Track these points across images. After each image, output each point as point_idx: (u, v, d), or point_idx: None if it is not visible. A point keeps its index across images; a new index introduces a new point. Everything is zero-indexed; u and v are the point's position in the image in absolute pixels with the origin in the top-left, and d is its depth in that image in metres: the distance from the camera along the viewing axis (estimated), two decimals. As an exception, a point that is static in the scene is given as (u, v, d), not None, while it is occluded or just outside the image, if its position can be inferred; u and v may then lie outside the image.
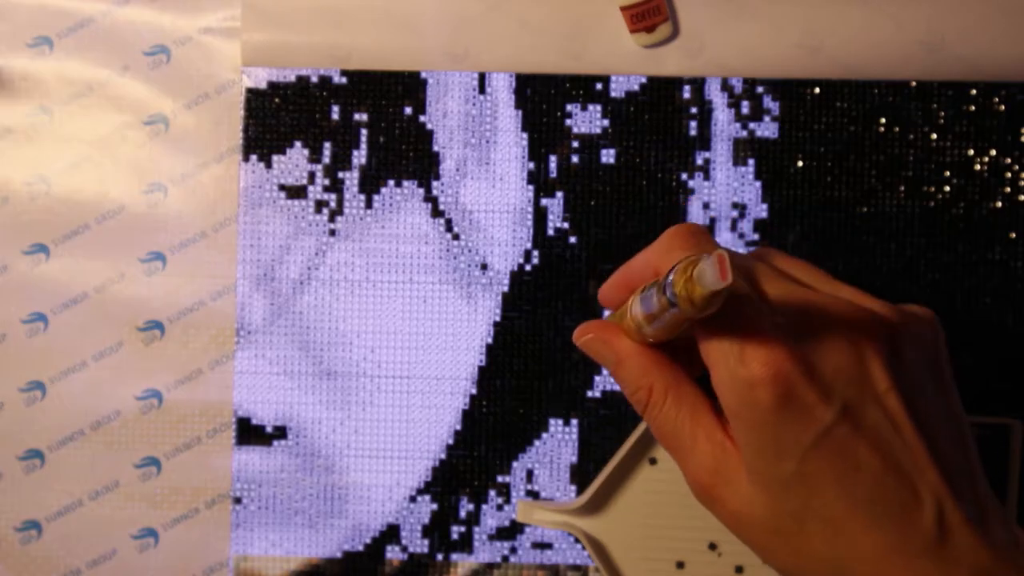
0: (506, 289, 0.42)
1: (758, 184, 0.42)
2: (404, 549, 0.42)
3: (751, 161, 0.42)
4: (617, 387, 0.42)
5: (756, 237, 0.42)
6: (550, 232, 0.42)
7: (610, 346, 0.30)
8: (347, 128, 0.42)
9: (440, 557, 0.42)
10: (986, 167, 0.42)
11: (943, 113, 0.42)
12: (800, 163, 0.42)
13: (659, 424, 0.30)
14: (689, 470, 0.29)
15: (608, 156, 0.42)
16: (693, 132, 0.42)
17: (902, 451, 0.27)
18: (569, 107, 0.42)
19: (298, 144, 0.42)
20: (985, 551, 0.26)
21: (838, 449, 0.26)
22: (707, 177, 0.42)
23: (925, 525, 0.26)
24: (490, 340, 0.42)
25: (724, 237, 0.42)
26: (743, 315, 0.27)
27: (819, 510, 0.27)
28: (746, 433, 0.27)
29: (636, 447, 0.40)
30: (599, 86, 0.42)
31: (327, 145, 0.42)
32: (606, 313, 0.42)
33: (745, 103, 0.42)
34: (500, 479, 0.42)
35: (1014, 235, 0.42)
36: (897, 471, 0.27)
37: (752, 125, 0.42)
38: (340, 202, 0.42)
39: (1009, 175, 0.42)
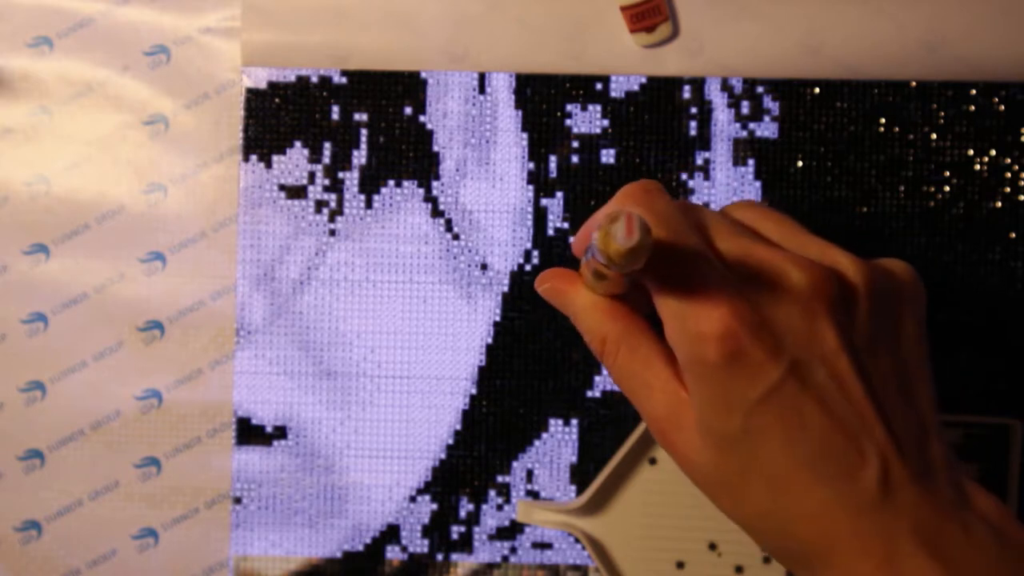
0: (506, 289, 0.42)
1: (758, 184, 0.42)
2: (404, 549, 0.42)
3: (751, 161, 0.42)
4: (618, 387, 0.42)
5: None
6: (550, 232, 0.42)
7: (566, 296, 0.31)
8: (347, 128, 0.42)
9: (440, 557, 0.42)
10: (986, 167, 0.42)
11: (943, 113, 0.42)
12: (800, 163, 0.42)
13: (614, 372, 0.30)
14: (645, 416, 0.30)
15: (608, 156, 0.42)
16: (693, 132, 0.42)
17: (848, 411, 0.27)
18: (569, 107, 0.42)
19: (298, 144, 0.42)
20: (929, 507, 0.26)
21: (784, 407, 0.26)
22: (707, 177, 0.42)
23: (868, 483, 0.26)
24: (490, 340, 0.42)
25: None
26: (691, 271, 0.27)
27: (763, 466, 0.27)
28: (695, 386, 0.27)
29: (636, 447, 0.40)
30: (599, 86, 0.42)
31: (327, 145, 0.42)
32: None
33: (745, 103, 0.42)
34: (500, 479, 0.42)
35: (1014, 235, 0.42)
36: (843, 430, 0.27)
37: (752, 125, 0.42)
38: (340, 202, 0.42)
39: (1009, 175, 0.42)
